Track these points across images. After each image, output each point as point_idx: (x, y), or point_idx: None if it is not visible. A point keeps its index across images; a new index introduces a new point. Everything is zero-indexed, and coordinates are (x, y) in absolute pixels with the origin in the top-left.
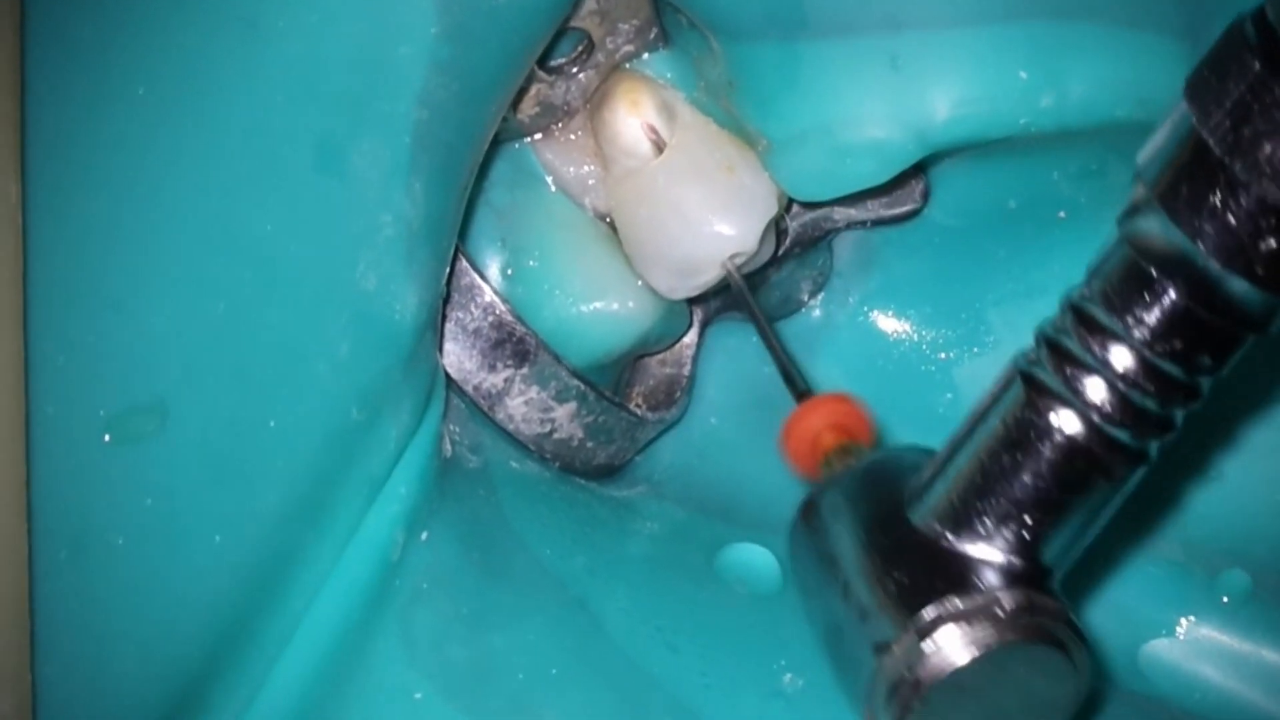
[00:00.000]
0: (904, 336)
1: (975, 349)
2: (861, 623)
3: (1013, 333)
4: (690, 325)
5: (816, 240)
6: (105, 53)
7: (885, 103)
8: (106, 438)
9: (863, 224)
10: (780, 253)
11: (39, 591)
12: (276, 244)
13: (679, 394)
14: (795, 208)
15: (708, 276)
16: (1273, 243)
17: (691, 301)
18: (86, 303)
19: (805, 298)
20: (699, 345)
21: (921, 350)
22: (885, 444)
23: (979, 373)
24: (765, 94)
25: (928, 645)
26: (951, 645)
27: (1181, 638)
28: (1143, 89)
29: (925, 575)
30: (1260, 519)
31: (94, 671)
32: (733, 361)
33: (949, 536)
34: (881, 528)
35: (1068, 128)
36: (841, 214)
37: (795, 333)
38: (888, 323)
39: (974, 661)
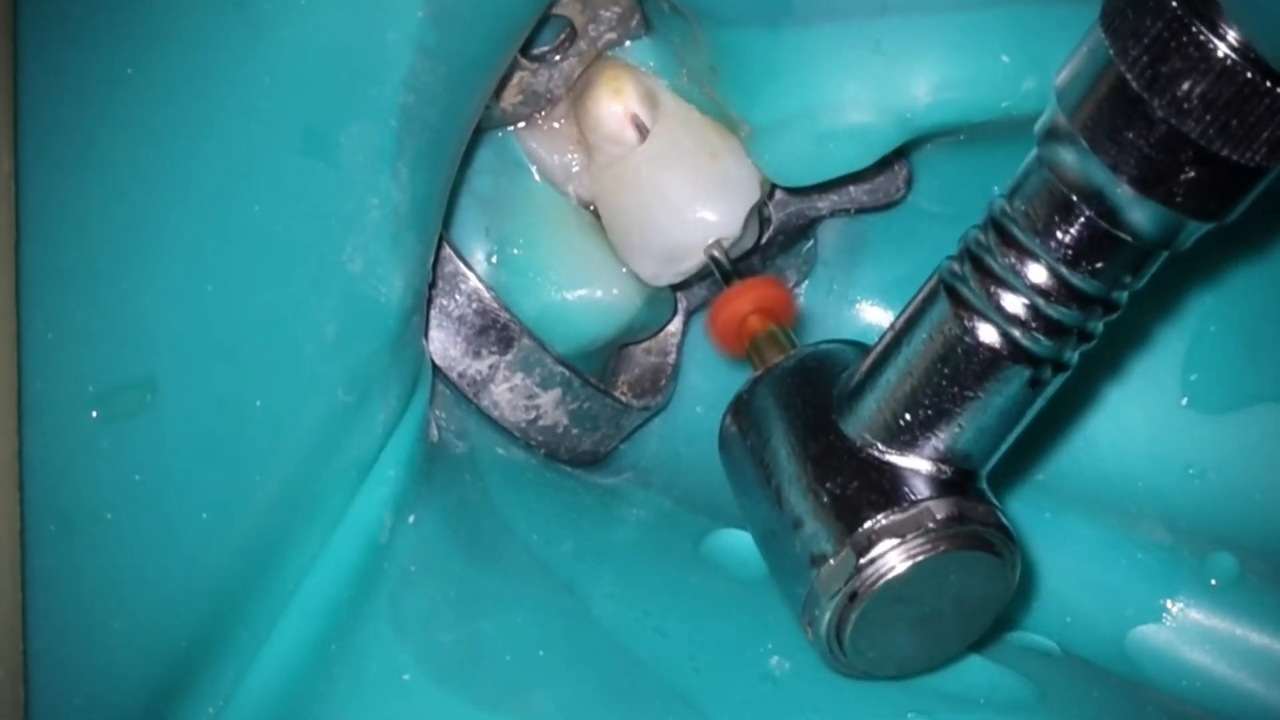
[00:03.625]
0: (889, 323)
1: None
2: (795, 531)
3: None
4: (675, 313)
5: (801, 228)
6: (96, 33)
7: (868, 87)
8: (95, 414)
9: (847, 211)
10: (764, 240)
11: (30, 565)
12: (264, 225)
13: (664, 381)
14: (779, 195)
15: (691, 263)
16: (1191, 173)
17: (676, 289)
18: (76, 280)
19: (790, 286)
20: (684, 333)
21: None
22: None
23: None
24: (748, 80)
25: (864, 559)
26: (887, 558)
27: (1169, 622)
28: None
29: (858, 488)
30: (1246, 503)
31: (84, 646)
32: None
33: (879, 446)
34: (812, 435)
35: None
36: (825, 201)
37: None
38: (872, 310)
39: (909, 572)
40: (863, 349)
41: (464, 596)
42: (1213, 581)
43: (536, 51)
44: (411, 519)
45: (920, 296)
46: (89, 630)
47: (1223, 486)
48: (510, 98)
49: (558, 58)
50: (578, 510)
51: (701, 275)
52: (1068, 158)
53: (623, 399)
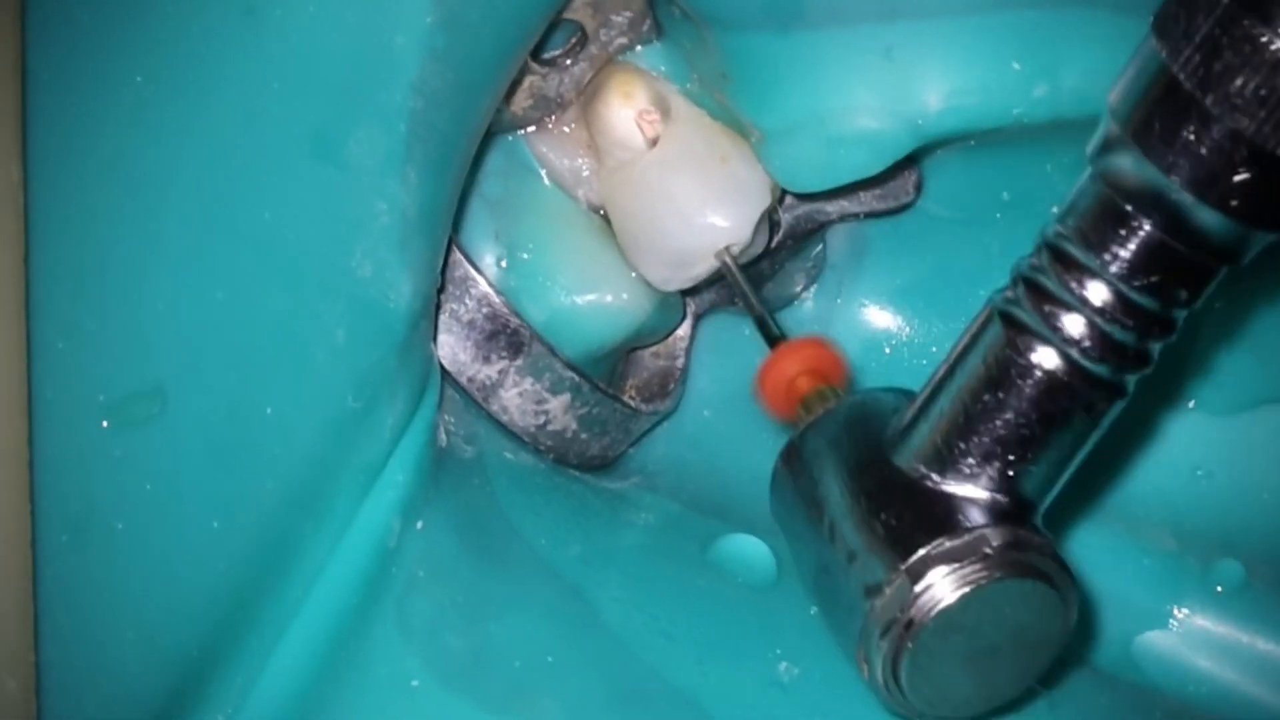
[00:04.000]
0: (897, 329)
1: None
2: (850, 565)
3: None
4: (684, 317)
5: (810, 232)
6: (104, 38)
7: (879, 93)
8: (105, 423)
9: (856, 216)
10: (773, 245)
11: (42, 574)
12: (274, 231)
13: (672, 386)
14: (788, 199)
15: (701, 268)
16: (1245, 174)
17: (685, 294)
18: (86, 288)
19: (799, 290)
20: (692, 337)
21: (914, 342)
22: (860, 388)
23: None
24: (759, 85)
25: (919, 586)
26: (942, 585)
27: (1175, 628)
28: None
29: (912, 516)
30: (1252, 510)
31: (95, 654)
32: (726, 354)
33: (933, 477)
34: (865, 470)
35: (1061, 118)
36: (835, 206)
37: (789, 325)
38: (881, 315)
39: (964, 599)
40: (911, 395)
41: (472, 601)
42: (1218, 588)
43: (547, 56)
44: (420, 524)
45: (973, 326)
46: (100, 639)
47: (1230, 489)
48: (520, 102)
49: (568, 62)
50: (586, 515)
51: (711, 280)
52: (1123, 167)
53: (631, 403)
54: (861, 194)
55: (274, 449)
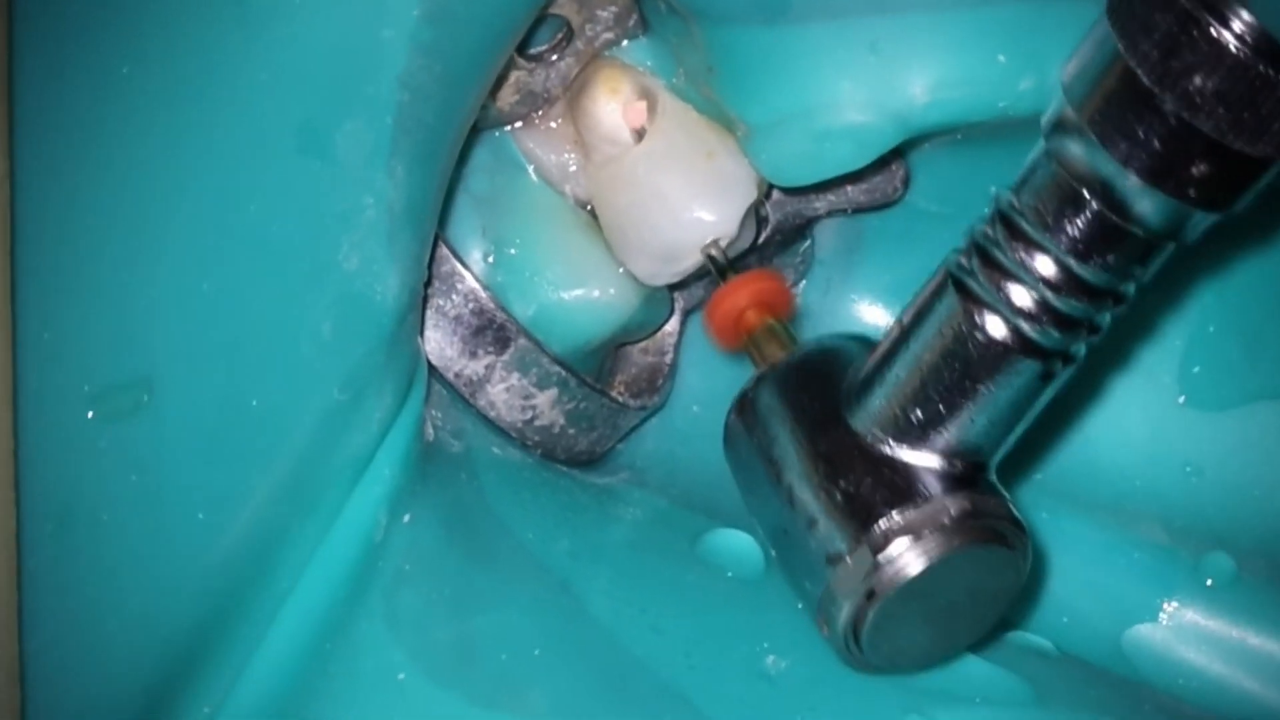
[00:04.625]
0: (886, 323)
1: None
2: (810, 530)
3: None
4: (672, 313)
5: (798, 228)
6: (91, 29)
7: (865, 87)
8: (91, 414)
9: (844, 211)
10: (761, 240)
11: (26, 565)
12: (260, 224)
13: (661, 381)
14: (776, 194)
15: (688, 263)
16: (1202, 165)
17: (673, 289)
18: (72, 280)
19: (788, 286)
20: (681, 333)
21: None
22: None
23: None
24: (745, 79)
25: (881, 558)
26: (904, 557)
27: (1165, 622)
28: None
29: (870, 485)
30: (1244, 501)
31: (80, 646)
32: (715, 349)
33: (890, 443)
34: (822, 431)
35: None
36: (822, 201)
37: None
38: (870, 310)
39: (926, 570)
40: (867, 343)
41: (459, 595)
42: (1209, 582)
43: (533, 51)
44: (407, 518)
45: (927, 290)
46: (85, 630)
47: (1220, 484)
48: (507, 97)
49: (555, 57)
50: (574, 510)
51: (699, 275)
52: (1076, 151)
53: (619, 399)
54: (849, 189)
55: (261, 441)
